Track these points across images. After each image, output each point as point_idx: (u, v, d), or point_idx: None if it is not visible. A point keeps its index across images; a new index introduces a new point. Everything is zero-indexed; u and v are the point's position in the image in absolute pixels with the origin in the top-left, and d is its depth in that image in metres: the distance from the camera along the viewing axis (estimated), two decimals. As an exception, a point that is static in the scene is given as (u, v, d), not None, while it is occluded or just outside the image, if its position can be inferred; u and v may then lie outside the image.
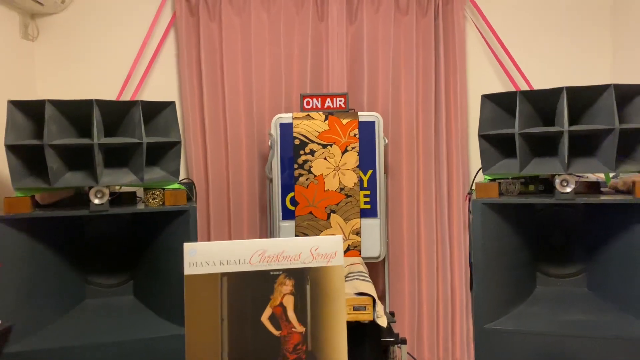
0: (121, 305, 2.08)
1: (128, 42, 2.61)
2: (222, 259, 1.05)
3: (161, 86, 2.64)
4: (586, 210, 2.14)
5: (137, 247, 2.10)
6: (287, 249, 1.08)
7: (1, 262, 1.76)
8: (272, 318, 1.09)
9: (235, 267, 1.06)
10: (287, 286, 1.08)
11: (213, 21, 2.57)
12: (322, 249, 1.08)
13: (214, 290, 1.05)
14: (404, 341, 2.11)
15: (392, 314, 2.52)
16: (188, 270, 1.06)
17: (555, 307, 2.05)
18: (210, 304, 1.04)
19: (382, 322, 1.86)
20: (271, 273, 1.08)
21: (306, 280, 1.08)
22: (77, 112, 1.85)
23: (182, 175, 2.57)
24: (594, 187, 2.09)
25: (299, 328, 1.08)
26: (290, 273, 1.09)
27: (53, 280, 1.94)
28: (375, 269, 2.62)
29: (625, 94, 1.87)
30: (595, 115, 1.89)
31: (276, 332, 1.08)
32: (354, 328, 1.88)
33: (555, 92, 1.89)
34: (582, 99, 1.89)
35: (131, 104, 1.89)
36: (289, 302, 1.08)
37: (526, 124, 1.93)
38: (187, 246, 1.07)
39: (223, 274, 1.06)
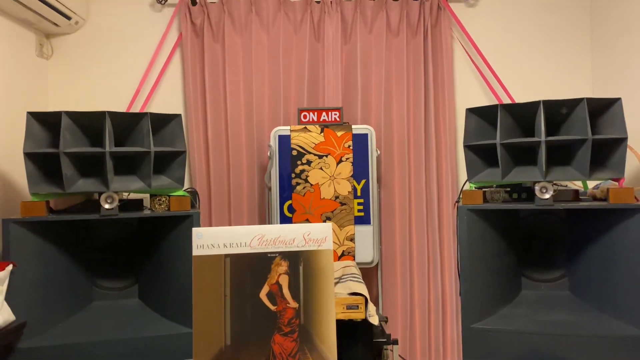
0: (127, 307, 2.17)
1: (136, 62, 2.77)
2: (225, 242, 1.20)
3: (167, 103, 2.78)
4: (567, 217, 2.24)
5: (142, 252, 2.20)
6: (282, 234, 1.22)
7: (16, 263, 1.87)
8: (269, 295, 1.22)
9: (237, 250, 1.20)
10: (283, 267, 1.22)
11: (216, 42, 2.73)
12: (313, 235, 1.23)
13: (218, 270, 1.19)
14: (395, 342, 2.20)
15: (385, 319, 2.62)
16: (196, 251, 1.20)
17: (539, 309, 2.14)
18: (215, 281, 1.18)
19: (374, 320, 1.96)
20: (269, 255, 1.23)
21: (299, 262, 1.23)
22: (90, 123, 1.98)
23: (186, 184, 2.69)
24: (574, 195, 2.21)
25: (293, 304, 1.21)
26: (286, 255, 1.23)
27: (63, 282, 2.04)
28: (369, 274, 2.72)
29: (598, 106, 1.99)
30: (571, 127, 2.02)
31: (273, 307, 1.22)
32: (347, 327, 1.98)
33: (534, 105, 2.01)
34: (558, 111, 2.02)
35: (141, 115, 2.03)
36: (284, 280, 1.22)
37: (507, 135, 2.05)
38: (195, 230, 1.21)
39: (226, 255, 1.20)
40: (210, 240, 1.19)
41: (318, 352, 1.20)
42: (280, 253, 1.23)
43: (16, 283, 1.84)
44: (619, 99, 1.96)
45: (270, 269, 1.23)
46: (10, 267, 1.83)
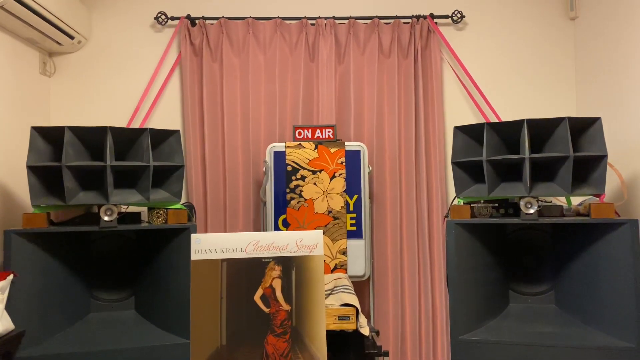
0: (123, 319, 2.22)
1: (137, 80, 2.86)
2: (222, 247, 1.27)
3: (166, 119, 2.86)
4: (553, 232, 2.32)
5: (139, 264, 2.25)
6: (276, 240, 1.30)
7: (16, 273, 1.92)
8: (263, 297, 1.30)
9: (233, 255, 1.28)
10: (276, 271, 1.29)
11: (215, 61, 2.83)
12: (305, 241, 1.30)
13: (215, 273, 1.26)
14: (386, 353, 2.25)
15: (377, 332, 2.66)
16: (194, 256, 1.27)
17: (526, 321, 2.20)
18: (212, 284, 1.25)
19: (365, 331, 2.02)
20: (263, 260, 1.30)
21: (292, 267, 1.30)
22: (91, 138, 2.05)
23: (183, 199, 2.76)
24: (559, 211, 2.29)
25: (286, 306, 1.29)
26: (279, 260, 1.31)
27: (62, 293, 2.09)
28: (361, 287, 2.78)
29: (579, 125, 2.08)
30: (554, 145, 2.10)
31: (266, 310, 1.29)
32: (338, 338, 2.04)
33: (518, 124, 2.10)
34: (542, 130, 2.10)
35: (141, 131, 2.10)
36: (278, 284, 1.29)
37: (493, 152, 2.13)
38: (194, 236, 1.28)
39: (223, 260, 1.28)
40: (208, 245, 1.27)
41: (309, 352, 1.27)
42: (274, 258, 1.31)
43: (16, 293, 1.89)
44: (598, 118, 2.05)
45: (265, 273, 1.30)
46: (11, 276, 1.88)
